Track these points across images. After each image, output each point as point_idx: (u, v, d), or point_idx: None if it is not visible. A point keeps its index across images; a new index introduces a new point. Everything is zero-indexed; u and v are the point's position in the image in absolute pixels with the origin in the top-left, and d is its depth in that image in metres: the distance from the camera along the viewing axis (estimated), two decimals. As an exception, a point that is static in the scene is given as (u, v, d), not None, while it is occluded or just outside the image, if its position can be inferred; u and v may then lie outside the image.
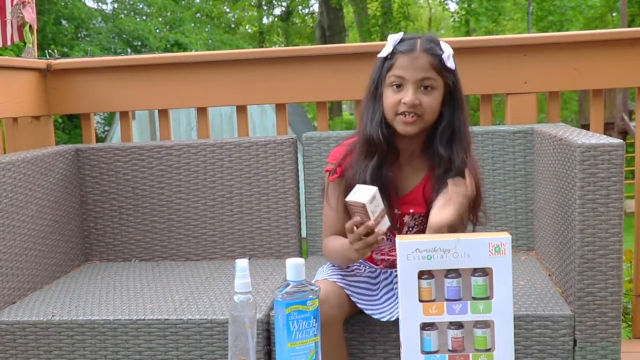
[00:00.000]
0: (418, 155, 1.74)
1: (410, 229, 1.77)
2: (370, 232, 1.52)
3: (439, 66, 1.66)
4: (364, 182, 1.67)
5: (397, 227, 1.77)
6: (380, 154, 1.70)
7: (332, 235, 1.78)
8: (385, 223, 1.56)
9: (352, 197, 1.53)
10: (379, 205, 1.55)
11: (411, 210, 1.74)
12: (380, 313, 1.68)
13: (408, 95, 1.64)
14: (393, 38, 1.70)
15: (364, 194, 1.53)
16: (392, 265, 1.82)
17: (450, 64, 1.67)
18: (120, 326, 1.80)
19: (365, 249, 1.55)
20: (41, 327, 1.82)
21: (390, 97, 1.67)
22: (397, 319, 1.63)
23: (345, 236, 1.75)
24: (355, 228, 1.53)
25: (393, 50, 1.68)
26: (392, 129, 1.70)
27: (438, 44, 1.68)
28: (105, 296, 1.99)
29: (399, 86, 1.66)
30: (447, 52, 1.67)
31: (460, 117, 1.69)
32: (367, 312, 1.68)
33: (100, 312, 1.85)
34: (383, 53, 1.71)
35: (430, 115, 1.67)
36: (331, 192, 1.79)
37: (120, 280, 2.16)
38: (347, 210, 1.74)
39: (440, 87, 1.67)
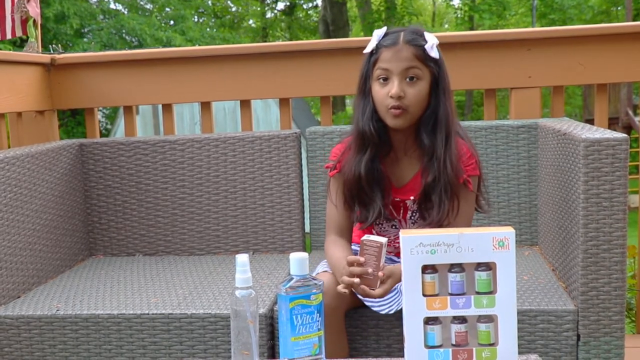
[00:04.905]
0: (413, 145, 1.76)
1: (414, 213, 1.80)
2: (364, 277, 1.55)
3: (423, 56, 1.67)
4: (359, 176, 1.72)
5: (398, 216, 1.81)
6: (373, 147, 1.73)
7: (334, 237, 1.81)
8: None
9: (368, 237, 1.57)
10: (385, 255, 1.59)
11: (412, 197, 1.77)
12: (380, 305, 1.68)
13: (394, 87, 1.66)
14: (377, 33, 1.73)
15: (380, 237, 1.57)
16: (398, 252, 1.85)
17: (434, 53, 1.68)
18: (125, 320, 1.80)
19: (349, 287, 1.57)
20: (45, 321, 1.83)
21: (378, 91, 1.70)
22: (397, 312, 1.66)
23: (345, 231, 1.81)
24: (353, 264, 1.56)
25: (377, 45, 1.71)
26: (383, 122, 1.73)
27: (422, 35, 1.70)
28: (109, 291, 2.00)
29: (385, 79, 1.69)
30: (431, 42, 1.68)
31: (445, 105, 1.70)
32: (367, 304, 1.69)
33: (104, 306, 1.86)
34: (368, 48, 1.73)
35: (416, 106, 1.68)
36: (332, 187, 1.83)
37: (124, 275, 2.17)
38: (348, 205, 1.78)
39: (426, 77, 1.69)
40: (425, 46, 1.67)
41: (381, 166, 1.76)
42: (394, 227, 1.83)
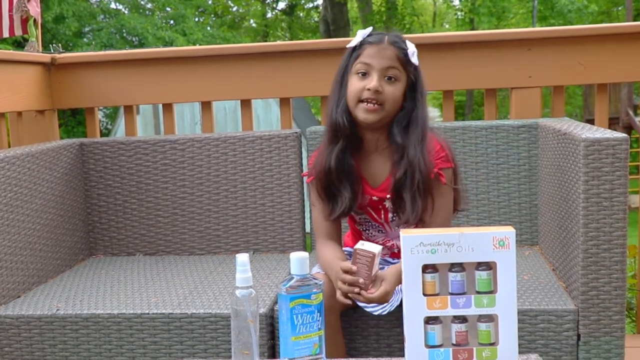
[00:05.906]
0: (384, 143, 1.77)
1: (395, 214, 1.79)
2: (356, 285, 1.59)
3: (404, 59, 1.72)
4: (330, 167, 1.74)
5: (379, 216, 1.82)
6: (345, 138, 1.75)
7: (324, 240, 1.81)
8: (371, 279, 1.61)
9: (362, 246, 1.58)
10: (378, 265, 1.60)
11: (388, 196, 1.77)
12: (372, 307, 1.69)
13: (373, 81, 1.69)
14: (362, 32, 1.77)
15: (374, 246, 1.58)
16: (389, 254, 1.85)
17: (414, 59, 1.73)
18: (125, 320, 1.80)
19: (345, 295, 1.61)
20: (46, 321, 1.83)
21: (354, 84, 1.72)
22: (397, 312, 1.66)
23: (333, 234, 1.82)
24: (345, 273, 1.60)
25: (362, 41, 1.74)
26: (352, 118, 1.74)
27: (404, 41, 1.75)
28: (109, 290, 2.00)
29: (364, 74, 1.71)
30: (412, 49, 1.73)
31: (420, 111, 1.73)
32: (360, 305, 1.70)
33: (104, 306, 1.86)
34: (352, 43, 1.76)
35: (391, 104, 1.71)
36: (312, 194, 1.84)
37: (125, 275, 2.17)
38: (329, 205, 1.78)
39: (403, 80, 1.72)
40: (408, 50, 1.72)
41: (354, 162, 1.77)
42: (380, 231, 1.83)
